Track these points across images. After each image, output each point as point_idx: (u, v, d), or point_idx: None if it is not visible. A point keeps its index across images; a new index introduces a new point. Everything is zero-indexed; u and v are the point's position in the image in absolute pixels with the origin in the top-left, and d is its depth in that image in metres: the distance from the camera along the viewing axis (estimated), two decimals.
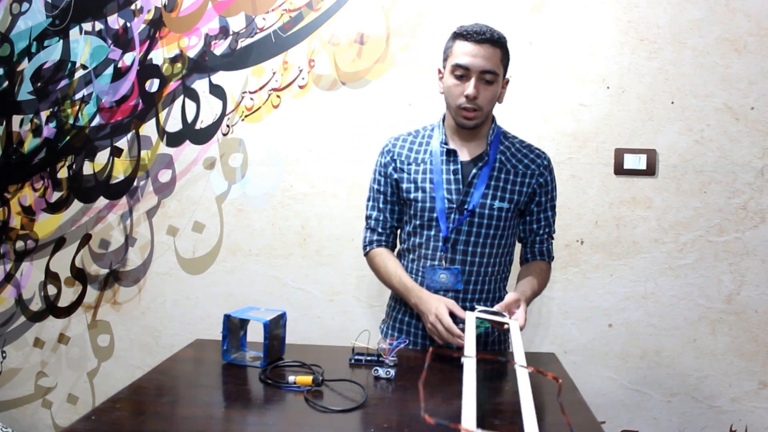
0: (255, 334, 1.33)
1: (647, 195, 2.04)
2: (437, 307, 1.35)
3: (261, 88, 2.20)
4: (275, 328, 1.28)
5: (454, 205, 1.45)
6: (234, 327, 1.31)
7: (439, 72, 1.49)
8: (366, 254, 1.60)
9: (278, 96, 2.19)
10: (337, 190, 2.18)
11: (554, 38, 2.05)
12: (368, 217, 1.59)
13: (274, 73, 2.18)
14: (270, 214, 2.22)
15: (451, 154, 1.47)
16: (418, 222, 1.49)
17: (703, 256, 2.02)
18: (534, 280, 1.48)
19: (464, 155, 1.48)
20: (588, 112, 2.05)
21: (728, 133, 1.99)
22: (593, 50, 2.04)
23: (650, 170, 2.02)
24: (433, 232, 1.47)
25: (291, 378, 1.15)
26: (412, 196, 1.49)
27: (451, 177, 1.46)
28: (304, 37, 2.16)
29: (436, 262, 1.46)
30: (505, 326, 1.24)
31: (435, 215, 1.46)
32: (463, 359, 0.97)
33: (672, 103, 2.01)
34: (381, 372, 1.20)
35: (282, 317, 1.32)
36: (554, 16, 2.05)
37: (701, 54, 1.99)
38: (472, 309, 1.31)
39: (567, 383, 1.22)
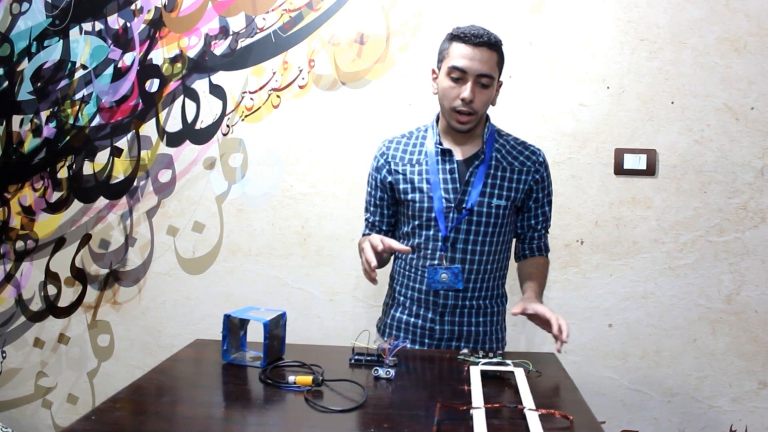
0: (255, 334, 1.33)
1: (647, 195, 2.04)
2: (372, 237, 1.36)
3: (261, 88, 2.20)
4: (275, 328, 1.28)
5: (453, 205, 1.45)
6: (234, 327, 1.31)
7: (434, 72, 1.49)
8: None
9: (278, 96, 2.19)
10: (337, 190, 2.18)
11: (554, 38, 2.05)
12: (366, 219, 1.62)
13: (274, 73, 2.19)
14: (270, 214, 2.22)
15: (446, 153, 1.47)
16: (416, 222, 1.49)
17: (703, 256, 2.02)
18: (541, 277, 1.50)
19: (459, 155, 1.48)
20: (588, 112, 2.05)
21: (728, 133, 1.99)
22: (593, 50, 2.04)
23: (650, 170, 2.02)
24: (432, 232, 1.47)
25: (291, 378, 1.14)
26: (409, 197, 1.49)
27: (448, 176, 1.46)
28: (304, 37, 2.16)
29: (437, 262, 1.46)
30: (510, 366, 1.22)
31: (433, 215, 1.46)
32: (472, 411, 0.98)
33: (672, 103, 2.01)
34: (381, 372, 1.20)
35: (282, 317, 1.32)
36: (554, 16, 2.05)
37: (701, 54, 1.99)
38: (475, 350, 1.32)
39: (567, 383, 1.22)
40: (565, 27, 2.04)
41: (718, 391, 2.03)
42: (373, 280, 1.34)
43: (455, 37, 1.41)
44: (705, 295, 2.03)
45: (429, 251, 1.48)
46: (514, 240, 1.61)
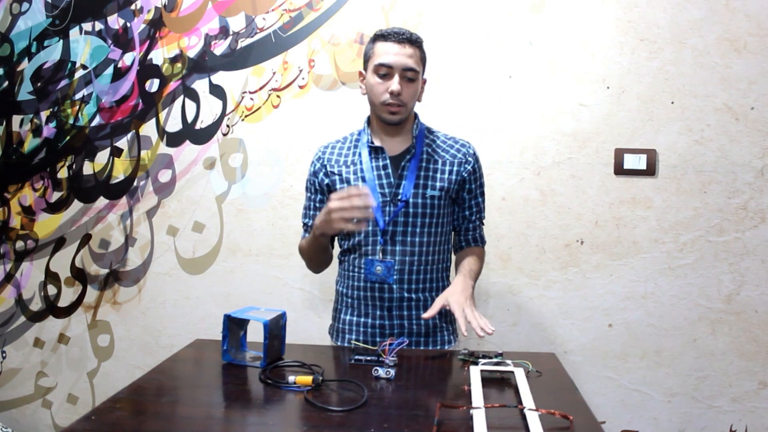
0: (255, 334, 1.33)
1: (647, 195, 2.04)
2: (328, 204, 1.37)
3: (261, 88, 2.20)
4: (275, 328, 1.28)
5: (388, 198, 1.50)
6: (234, 327, 1.31)
7: (360, 75, 1.55)
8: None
9: (278, 96, 2.19)
10: None
11: (554, 38, 2.05)
12: (305, 224, 1.64)
13: (274, 73, 2.18)
14: (270, 214, 2.22)
15: (378, 151, 1.53)
16: (354, 219, 1.50)
17: (703, 256, 2.02)
18: (474, 262, 1.54)
19: (391, 151, 1.53)
20: (588, 112, 2.05)
21: (728, 133, 1.99)
22: (593, 50, 2.04)
23: (650, 170, 2.02)
24: (370, 227, 1.50)
25: (291, 378, 1.14)
26: None
27: (381, 172, 1.51)
28: (304, 37, 2.16)
29: (376, 256, 1.50)
30: (509, 367, 1.23)
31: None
32: (472, 411, 0.98)
33: (672, 103, 2.01)
34: (381, 372, 1.20)
35: (282, 317, 1.32)
36: (554, 16, 2.05)
37: (701, 54, 1.99)
38: (471, 355, 1.32)
39: (567, 383, 1.22)
40: (565, 27, 2.04)
41: (718, 391, 2.03)
42: (362, 224, 1.34)
43: (379, 37, 1.48)
44: (705, 295, 2.02)
45: (369, 247, 1.51)
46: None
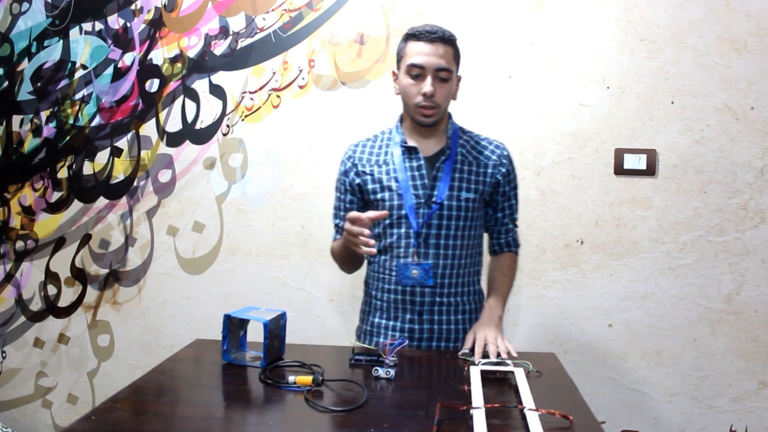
0: (255, 334, 1.33)
1: (647, 195, 2.04)
2: (349, 216, 1.34)
3: (261, 88, 2.20)
4: (275, 328, 1.28)
5: (422, 200, 1.47)
6: (234, 327, 1.31)
7: (394, 74, 1.52)
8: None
9: (278, 96, 2.19)
10: None
11: (554, 38, 2.05)
12: (335, 224, 1.62)
13: (274, 73, 2.19)
14: (270, 214, 2.22)
15: (411, 151, 1.49)
16: (387, 221, 1.49)
17: (703, 256, 2.02)
18: (503, 284, 1.55)
19: (425, 152, 1.50)
20: (588, 112, 2.05)
21: (728, 133, 1.99)
22: (593, 50, 2.04)
23: (650, 170, 2.02)
24: (403, 229, 1.48)
25: (291, 378, 1.14)
26: (378, 196, 1.50)
27: (416, 173, 1.48)
28: (304, 37, 2.16)
29: (409, 259, 1.47)
30: (509, 365, 1.24)
31: (404, 212, 1.47)
32: (472, 411, 0.98)
33: (672, 103, 2.01)
34: (381, 372, 1.20)
35: (282, 317, 1.32)
36: (554, 16, 2.05)
37: (701, 54, 1.99)
38: (471, 353, 1.32)
39: (567, 383, 1.22)
40: (565, 27, 2.04)
41: (718, 391, 2.03)
42: (371, 249, 1.31)
43: (410, 36, 1.45)
44: (705, 295, 2.02)
45: (401, 249, 1.48)
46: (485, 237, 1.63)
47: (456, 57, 1.47)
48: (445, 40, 1.42)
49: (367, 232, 1.29)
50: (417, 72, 1.42)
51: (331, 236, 1.65)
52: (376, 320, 1.55)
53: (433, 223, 1.46)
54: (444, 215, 1.47)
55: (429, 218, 1.46)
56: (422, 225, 1.46)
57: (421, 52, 1.41)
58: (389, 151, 1.53)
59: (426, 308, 1.48)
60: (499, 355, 1.31)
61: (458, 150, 1.51)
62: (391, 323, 1.52)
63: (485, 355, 1.30)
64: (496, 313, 1.46)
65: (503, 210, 1.56)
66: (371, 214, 1.31)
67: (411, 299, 1.48)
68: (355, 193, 1.55)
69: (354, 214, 1.31)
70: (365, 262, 1.63)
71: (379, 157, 1.53)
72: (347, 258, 1.56)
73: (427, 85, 1.41)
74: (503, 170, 1.53)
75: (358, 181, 1.54)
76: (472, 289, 1.55)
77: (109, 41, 2.28)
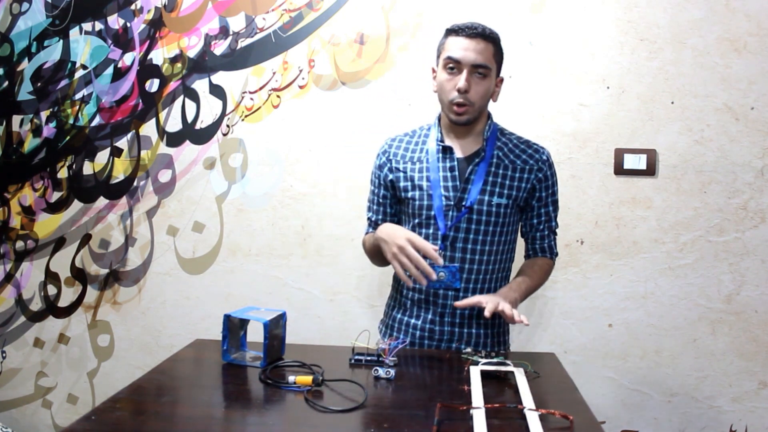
0: (255, 334, 1.33)
1: (647, 195, 2.04)
2: (407, 233, 1.33)
3: (261, 88, 2.20)
4: (275, 328, 1.28)
5: (452, 203, 1.44)
6: (234, 327, 1.31)
7: (433, 71, 1.49)
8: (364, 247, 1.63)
9: (278, 96, 2.19)
10: (337, 190, 2.18)
11: (554, 38, 2.05)
12: (368, 218, 1.61)
13: (274, 73, 2.19)
14: (270, 214, 2.22)
15: (447, 151, 1.47)
16: (416, 221, 1.48)
17: (703, 256, 2.02)
18: (528, 278, 1.49)
19: (460, 152, 1.48)
20: (588, 112, 2.05)
21: (728, 133, 1.99)
22: (593, 50, 2.04)
23: (650, 170, 2.02)
24: (431, 231, 1.46)
25: (291, 378, 1.14)
26: (409, 194, 1.49)
27: (448, 174, 1.46)
28: (304, 37, 2.16)
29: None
30: (508, 367, 1.23)
31: (433, 213, 1.45)
32: (472, 411, 0.98)
33: (672, 103, 2.01)
34: (381, 372, 1.20)
35: (282, 317, 1.32)
36: (554, 16, 2.05)
37: (701, 54, 1.99)
38: (477, 350, 1.32)
39: (567, 383, 1.22)
40: (565, 27, 2.04)
41: (718, 391, 2.03)
42: (410, 281, 1.32)
43: (451, 31, 1.42)
44: (705, 295, 2.02)
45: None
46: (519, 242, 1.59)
47: (496, 56, 1.43)
48: (486, 36, 1.39)
49: (423, 263, 1.28)
50: (453, 65, 1.39)
51: (363, 231, 1.64)
52: (399, 316, 1.54)
53: (461, 226, 1.44)
54: (473, 219, 1.44)
55: (457, 221, 1.43)
56: (450, 228, 1.44)
57: (458, 47, 1.38)
58: (425, 148, 1.50)
59: (448, 311, 1.47)
60: (499, 356, 1.30)
61: (494, 153, 1.47)
62: (413, 321, 1.51)
63: (486, 356, 1.30)
64: (513, 295, 1.42)
65: (539, 216, 1.52)
66: (431, 252, 1.30)
67: (434, 300, 1.47)
68: (389, 189, 1.54)
69: (419, 242, 1.30)
70: None
71: (414, 154, 1.51)
72: (377, 256, 1.52)
73: (462, 80, 1.37)
74: (540, 175, 1.49)
75: (391, 177, 1.52)
76: None
77: (109, 41, 2.28)
